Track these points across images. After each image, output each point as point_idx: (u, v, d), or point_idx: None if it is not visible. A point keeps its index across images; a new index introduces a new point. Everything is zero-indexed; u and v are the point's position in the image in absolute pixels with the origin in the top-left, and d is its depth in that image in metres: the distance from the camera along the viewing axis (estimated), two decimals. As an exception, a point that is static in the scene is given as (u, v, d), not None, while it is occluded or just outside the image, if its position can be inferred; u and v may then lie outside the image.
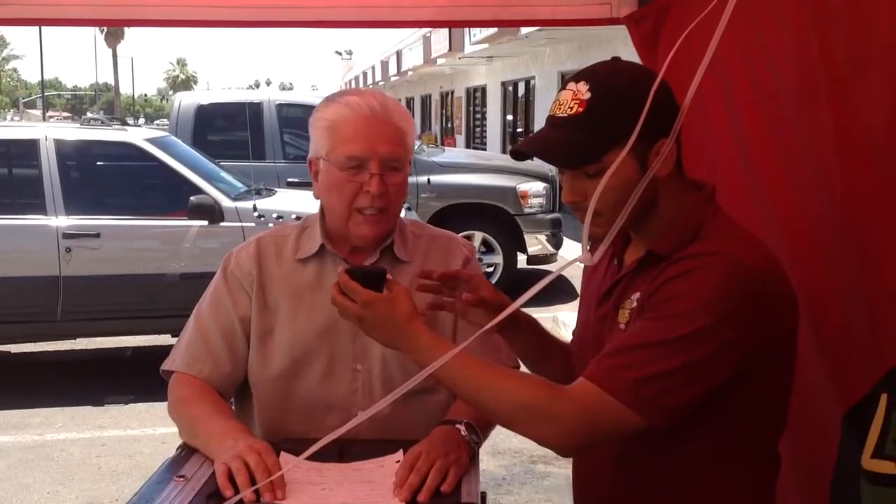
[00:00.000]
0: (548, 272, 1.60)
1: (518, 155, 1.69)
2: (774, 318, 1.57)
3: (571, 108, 1.58)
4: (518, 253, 10.03)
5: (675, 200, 1.65)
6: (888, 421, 1.72)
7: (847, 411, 1.84)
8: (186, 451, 1.93)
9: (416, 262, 2.09)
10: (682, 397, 1.52)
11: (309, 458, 1.63)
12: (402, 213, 2.15)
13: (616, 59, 1.68)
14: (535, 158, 1.69)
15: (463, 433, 1.88)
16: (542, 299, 1.69)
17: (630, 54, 2.53)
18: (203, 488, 1.74)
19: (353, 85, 47.12)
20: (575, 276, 1.93)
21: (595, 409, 1.52)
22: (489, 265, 9.82)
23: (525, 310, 1.78)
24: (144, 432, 5.85)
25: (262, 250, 2.12)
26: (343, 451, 1.85)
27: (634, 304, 1.63)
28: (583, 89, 1.58)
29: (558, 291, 8.95)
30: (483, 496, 1.82)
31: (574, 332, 1.93)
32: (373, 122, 1.95)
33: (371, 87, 39.46)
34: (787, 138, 1.99)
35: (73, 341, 7.40)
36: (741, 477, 1.67)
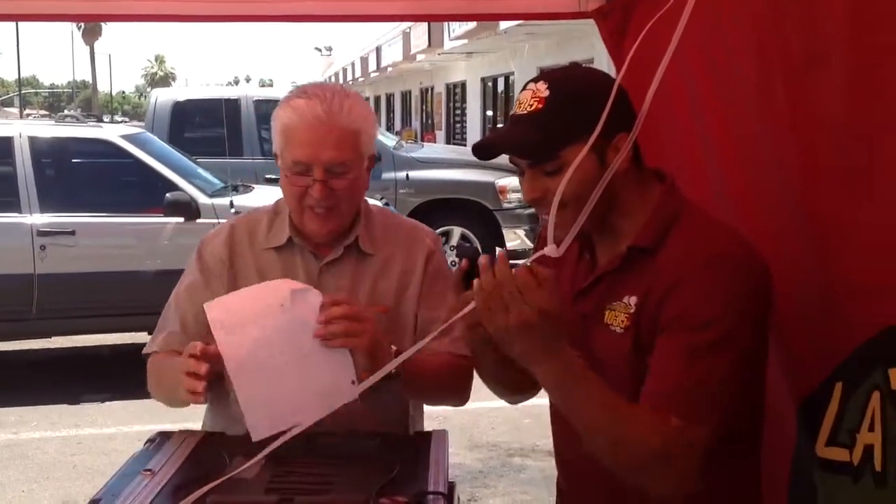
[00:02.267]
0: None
1: (480, 151, 1.71)
2: (771, 303, 1.66)
3: (531, 106, 1.63)
4: (497, 248, 10.05)
5: (636, 192, 1.69)
6: (842, 409, 1.74)
7: (803, 401, 1.86)
8: (154, 446, 1.93)
9: (381, 254, 2.13)
10: (731, 398, 1.58)
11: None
12: (394, 212, 2.23)
13: (574, 64, 1.75)
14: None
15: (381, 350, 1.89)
16: None
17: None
18: (169, 482, 1.74)
19: (334, 81, 46.95)
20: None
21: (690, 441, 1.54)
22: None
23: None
24: (120, 430, 5.82)
25: (235, 236, 2.16)
26: (311, 444, 1.86)
27: (633, 308, 1.64)
28: (541, 88, 1.63)
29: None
30: (451, 486, 1.83)
31: None
32: (317, 129, 1.98)
33: (351, 83, 39.42)
34: (748, 131, 2.02)
35: (48, 340, 7.35)
36: (730, 469, 1.68)
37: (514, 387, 1.92)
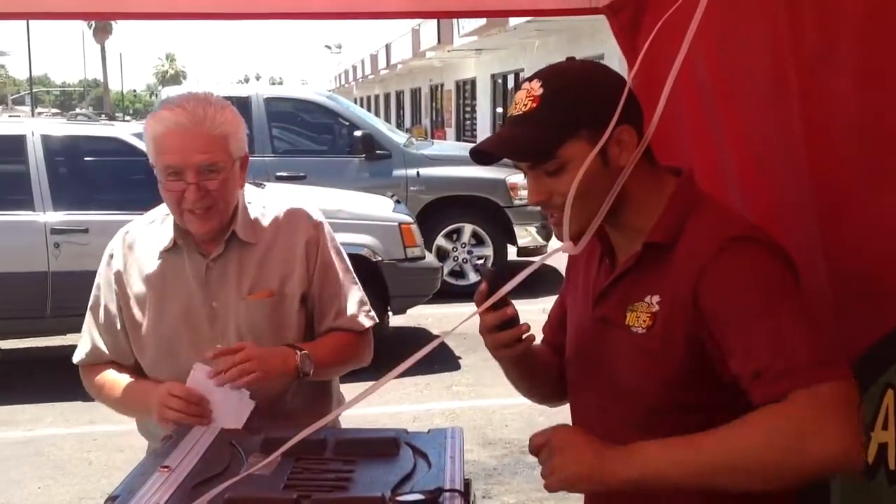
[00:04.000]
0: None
1: (478, 156, 1.68)
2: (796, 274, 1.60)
3: (526, 106, 1.59)
4: (508, 245, 10.04)
5: (649, 187, 1.64)
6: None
7: None
8: (171, 443, 1.94)
9: (263, 243, 2.27)
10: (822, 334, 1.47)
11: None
12: (280, 202, 2.34)
13: (570, 59, 1.73)
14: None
15: (297, 358, 2.17)
16: (531, 290, 1.72)
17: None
18: (187, 478, 1.75)
19: (344, 79, 47.03)
20: (563, 266, 1.94)
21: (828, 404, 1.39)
22: (479, 257, 9.84)
23: (513, 302, 1.77)
24: (135, 427, 5.82)
25: (129, 243, 2.32)
26: (327, 441, 1.86)
27: (655, 307, 1.59)
28: (535, 86, 1.59)
29: (546, 282, 8.96)
30: (467, 483, 1.83)
31: (568, 340, 1.85)
32: (183, 136, 2.10)
33: (360, 80, 39.47)
34: (760, 124, 2.02)
35: (62, 337, 7.38)
36: None
37: (541, 397, 1.98)
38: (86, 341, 2.35)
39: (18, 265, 6.58)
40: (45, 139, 6.97)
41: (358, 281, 2.41)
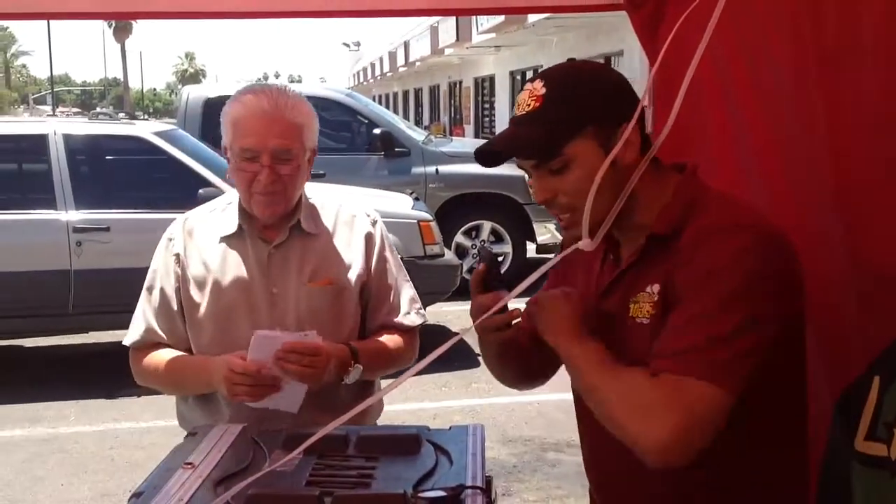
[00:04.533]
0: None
1: (483, 157, 1.67)
2: (799, 285, 1.59)
3: (529, 105, 1.60)
4: (527, 242, 10.03)
5: (652, 184, 1.63)
6: (880, 403, 1.73)
7: (839, 394, 1.84)
8: (194, 440, 1.96)
9: (324, 234, 2.33)
10: (745, 364, 1.48)
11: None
12: (338, 197, 2.42)
13: (571, 60, 1.74)
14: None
15: (350, 371, 2.20)
16: (532, 288, 1.76)
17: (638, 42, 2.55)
18: (210, 475, 1.76)
19: (362, 76, 47.10)
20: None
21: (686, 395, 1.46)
22: (498, 255, 9.84)
23: (523, 298, 1.78)
24: (157, 424, 5.88)
25: (190, 229, 2.35)
26: (349, 438, 1.87)
27: (656, 296, 1.60)
28: (538, 86, 1.60)
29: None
30: (489, 480, 1.84)
31: None
32: (263, 120, 2.16)
33: (379, 77, 39.49)
34: (781, 120, 2.01)
35: (85, 335, 7.44)
36: (771, 460, 1.64)
37: (517, 382, 1.98)
38: (139, 324, 2.35)
39: (41, 263, 6.62)
40: (67, 138, 7.00)
41: (409, 279, 2.46)
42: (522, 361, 1.92)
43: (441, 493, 1.63)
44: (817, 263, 1.90)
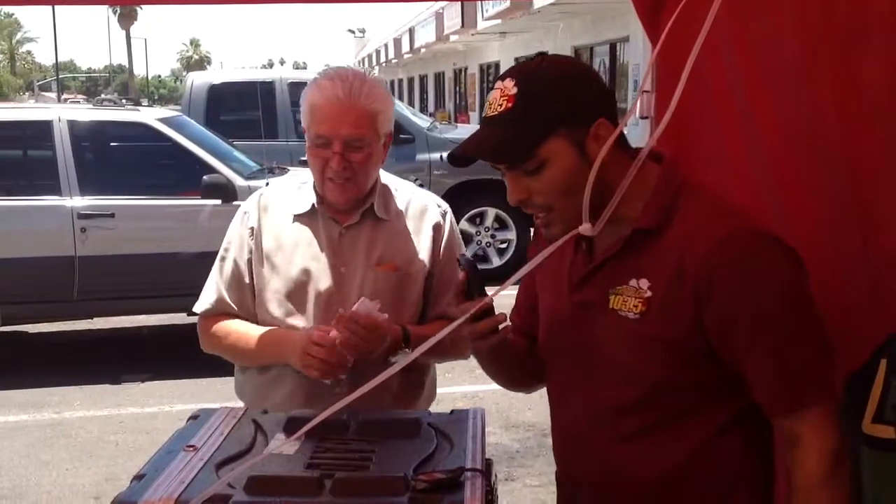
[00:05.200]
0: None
1: (456, 160, 1.67)
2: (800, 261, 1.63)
3: (501, 106, 1.58)
4: (531, 229, 10.02)
5: (627, 175, 1.62)
6: (887, 387, 1.73)
7: (848, 378, 1.85)
8: (196, 422, 1.97)
9: (394, 220, 2.35)
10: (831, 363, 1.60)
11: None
12: (411, 186, 2.45)
13: (543, 55, 1.70)
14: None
15: (398, 352, 2.19)
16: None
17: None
18: (212, 457, 1.77)
19: (367, 63, 47.02)
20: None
21: (831, 421, 1.57)
22: (502, 241, 9.84)
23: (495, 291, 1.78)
24: (161, 409, 5.91)
25: (265, 205, 2.38)
26: (350, 421, 1.88)
27: (647, 293, 1.59)
28: (509, 85, 1.58)
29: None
30: (489, 464, 1.85)
31: (543, 326, 1.84)
32: (338, 107, 2.18)
33: (384, 64, 39.40)
34: (790, 108, 2.00)
35: (89, 321, 7.46)
36: (746, 446, 1.67)
37: (518, 385, 2.00)
38: (210, 293, 2.39)
39: (46, 250, 6.64)
40: (72, 125, 7.01)
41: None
42: (517, 364, 1.92)
43: (440, 476, 1.64)
44: (828, 249, 1.90)
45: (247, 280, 2.35)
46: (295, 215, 2.34)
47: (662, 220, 1.60)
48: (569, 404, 1.78)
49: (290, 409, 2.10)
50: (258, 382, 2.36)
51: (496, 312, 1.71)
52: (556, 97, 1.56)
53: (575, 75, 1.61)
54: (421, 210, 2.39)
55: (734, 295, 1.53)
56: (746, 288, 1.53)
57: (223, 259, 2.40)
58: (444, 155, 9.74)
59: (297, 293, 2.30)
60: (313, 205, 2.33)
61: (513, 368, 1.94)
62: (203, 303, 2.41)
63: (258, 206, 2.39)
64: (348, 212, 2.32)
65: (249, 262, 2.35)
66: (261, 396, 2.32)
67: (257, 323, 2.35)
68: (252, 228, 2.36)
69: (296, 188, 2.39)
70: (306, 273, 2.30)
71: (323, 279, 2.30)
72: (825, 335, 1.58)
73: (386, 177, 2.41)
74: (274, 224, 2.35)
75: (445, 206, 2.45)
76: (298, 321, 2.28)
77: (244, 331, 2.33)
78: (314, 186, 2.33)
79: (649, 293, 1.59)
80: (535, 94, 1.56)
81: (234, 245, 2.38)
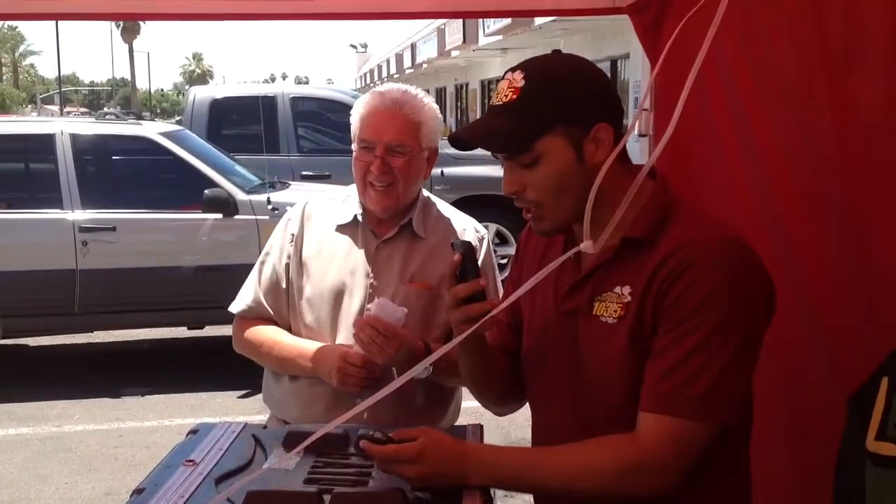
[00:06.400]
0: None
1: (456, 142, 1.69)
2: (771, 296, 1.62)
3: (507, 96, 1.60)
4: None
5: (623, 186, 1.61)
6: (889, 404, 1.74)
7: (851, 396, 1.85)
8: (196, 437, 1.97)
9: (432, 239, 2.38)
10: (743, 387, 1.57)
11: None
12: (452, 209, 2.49)
13: (556, 52, 1.72)
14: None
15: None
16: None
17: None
18: (211, 472, 1.77)
19: (369, 78, 47.14)
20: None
21: (681, 440, 1.53)
22: (503, 257, 9.83)
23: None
24: (161, 423, 5.90)
25: (309, 214, 2.45)
26: (348, 436, 1.88)
27: (627, 298, 1.60)
28: (518, 77, 1.60)
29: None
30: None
31: (530, 337, 1.84)
32: (382, 114, 2.29)
33: (385, 80, 39.48)
34: (788, 126, 2.01)
35: (90, 334, 7.47)
36: (718, 476, 1.65)
37: (496, 398, 1.98)
38: (248, 295, 2.45)
39: (47, 263, 6.65)
40: (74, 138, 7.03)
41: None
42: (497, 374, 1.90)
43: (439, 491, 1.65)
44: (826, 266, 1.91)
45: (283, 285, 2.40)
46: (338, 225, 2.40)
47: (652, 233, 1.61)
48: (550, 412, 1.79)
49: (311, 419, 2.21)
50: (288, 390, 2.40)
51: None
52: (560, 95, 1.58)
53: (582, 76, 1.62)
54: (459, 232, 2.41)
55: (680, 290, 1.54)
56: (693, 285, 1.53)
57: (263, 263, 2.45)
58: (444, 170, 9.87)
59: (330, 302, 2.35)
60: (356, 216, 2.38)
61: (494, 379, 1.91)
62: (239, 303, 2.46)
63: (302, 215, 2.45)
64: (388, 224, 2.37)
65: (287, 267, 2.40)
66: (285, 405, 2.40)
67: (290, 328, 2.41)
68: (293, 235, 2.42)
69: (340, 200, 2.46)
70: (340, 283, 2.35)
71: (356, 291, 2.35)
72: (743, 365, 1.55)
73: (430, 197, 2.47)
74: (316, 233, 2.41)
75: (484, 231, 2.49)
76: (329, 330, 2.34)
77: (278, 339, 2.39)
78: (357, 198, 2.39)
79: (629, 298, 1.60)
80: (540, 89, 1.58)
81: (274, 250, 2.44)
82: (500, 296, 2.30)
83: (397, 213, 2.36)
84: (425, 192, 2.45)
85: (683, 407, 1.52)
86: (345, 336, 2.32)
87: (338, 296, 2.35)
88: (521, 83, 1.59)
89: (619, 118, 1.64)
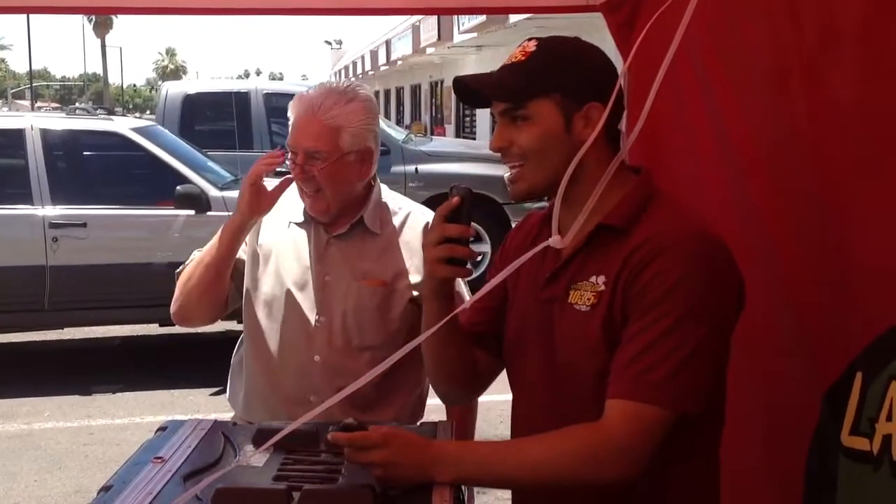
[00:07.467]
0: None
1: (458, 88, 1.75)
2: (741, 291, 1.65)
3: (516, 57, 1.69)
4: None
5: (604, 170, 1.64)
6: (863, 399, 1.75)
7: (827, 390, 1.86)
8: (164, 434, 1.96)
9: (386, 236, 2.36)
10: (709, 377, 1.59)
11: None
12: (413, 204, 2.45)
13: (575, 37, 1.76)
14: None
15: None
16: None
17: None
18: (179, 469, 1.76)
19: (344, 75, 47.04)
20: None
21: (644, 424, 1.54)
22: (478, 253, 9.85)
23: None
24: (132, 421, 5.86)
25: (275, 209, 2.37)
26: (318, 433, 1.87)
27: (601, 287, 1.62)
28: (531, 45, 1.70)
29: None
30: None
31: (512, 323, 1.83)
32: (300, 120, 2.27)
33: (360, 76, 39.44)
34: (763, 119, 2.02)
35: (60, 331, 7.40)
36: (689, 470, 1.67)
37: (452, 381, 1.92)
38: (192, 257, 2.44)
39: (16, 259, 6.59)
40: (44, 133, 6.96)
41: (469, 292, 2.40)
42: (458, 350, 1.86)
43: (409, 487, 1.64)
44: (800, 261, 1.92)
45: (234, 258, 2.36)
46: (291, 222, 2.39)
47: (629, 222, 1.64)
48: (527, 401, 1.80)
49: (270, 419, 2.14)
50: (252, 386, 2.39)
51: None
52: (564, 67, 1.65)
53: (591, 58, 1.69)
54: (416, 227, 2.38)
55: (648, 278, 1.56)
56: (661, 274, 1.55)
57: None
58: (418, 167, 9.87)
59: (283, 296, 2.34)
60: (306, 213, 2.37)
61: (455, 359, 1.87)
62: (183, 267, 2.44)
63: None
64: (335, 223, 2.35)
65: (240, 257, 2.38)
66: (249, 405, 2.40)
67: (220, 316, 2.43)
68: (256, 224, 2.39)
69: (297, 196, 2.41)
70: (293, 277, 2.34)
71: (308, 285, 2.34)
72: (711, 354, 1.58)
73: (388, 193, 2.44)
74: (271, 227, 2.40)
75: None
76: (280, 325, 2.33)
77: (194, 258, 2.40)
78: None
79: (603, 287, 1.63)
80: (547, 57, 1.66)
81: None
82: (465, 294, 2.35)
83: (342, 214, 2.33)
84: (384, 188, 2.42)
85: (647, 391, 1.53)
86: (294, 329, 2.32)
87: (290, 290, 2.34)
88: (532, 49, 1.68)
89: (617, 111, 1.68)
